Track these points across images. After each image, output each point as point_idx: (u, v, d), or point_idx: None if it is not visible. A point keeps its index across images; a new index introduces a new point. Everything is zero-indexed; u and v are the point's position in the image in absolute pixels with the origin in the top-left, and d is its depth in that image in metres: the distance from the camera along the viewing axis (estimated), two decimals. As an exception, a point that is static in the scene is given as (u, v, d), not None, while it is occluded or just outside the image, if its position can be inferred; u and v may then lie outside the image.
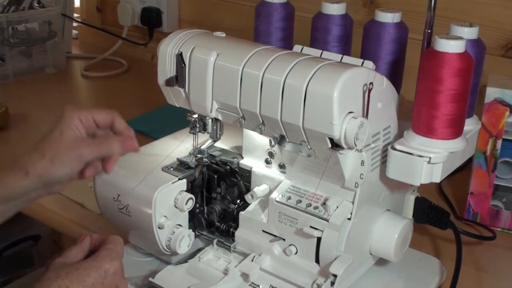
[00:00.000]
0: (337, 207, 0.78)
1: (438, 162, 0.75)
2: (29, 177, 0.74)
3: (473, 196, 1.06)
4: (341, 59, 0.79)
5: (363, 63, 0.77)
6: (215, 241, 0.88)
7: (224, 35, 0.85)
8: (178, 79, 0.84)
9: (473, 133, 0.86)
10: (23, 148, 1.30)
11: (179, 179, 0.84)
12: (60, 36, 1.80)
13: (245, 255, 0.85)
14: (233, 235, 0.86)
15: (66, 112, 0.78)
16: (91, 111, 0.79)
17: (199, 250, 0.88)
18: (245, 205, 0.86)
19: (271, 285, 0.82)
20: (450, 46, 0.73)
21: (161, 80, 0.86)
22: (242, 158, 0.89)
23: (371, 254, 0.85)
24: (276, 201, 0.81)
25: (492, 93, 0.99)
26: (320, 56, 0.81)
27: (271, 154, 0.85)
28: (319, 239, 0.78)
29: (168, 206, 0.82)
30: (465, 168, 1.06)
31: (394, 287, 0.88)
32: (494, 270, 0.96)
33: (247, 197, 0.84)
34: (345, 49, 0.92)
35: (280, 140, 0.79)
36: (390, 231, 0.83)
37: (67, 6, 1.87)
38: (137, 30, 1.88)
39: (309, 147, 0.77)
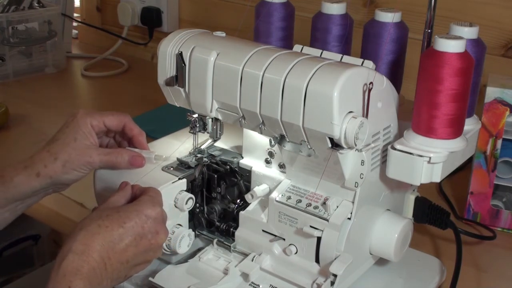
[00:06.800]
0: (337, 206, 0.78)
1: (438, 162, 0.75)
2: (39, 178, 0.78)
3: (473, 196, 1.06)
4: (341, 59, 0.79)
5: (363, 63, 0.77)
6: (215, 240, 0.88)
7: (224, 35, 0.85)
8: (178, 79, 0.84)
9: (473, 133, 0.86)
10: (23, 147, 1.31)
11: (179, 178, 0.84)
12: (60, 36, 1.80)
13: (245, 255, 0.85)
14: (233, 234, 0.86)
15: (79, 118, 0.82)
16: (103, 115, 0.83)
17: (199, 249, 0.88)
18: (245, 204, 0.86)
19: (271, 285, 0.82)
20: (450, 46, 0.73)
21: (161, 80, 0.86)
22: (242, 157, 0.89)
23: (371, 254, 0.85)
24: (276, 201, 0.81)
25: (492, 93, 0.99)
26: (320, 56, 0.81)
27: (271, 154, 0.85)
28: (319, 238, 0.78)
29: (168, 206, 0.82)
30: (465, 168, 1.06)
31: (394, 287, 0.88)
32: (494, 270, 0.96)
33: (247, 196, 0.84)
34: (345, 49, 0.92)
35: (280, 140, 0.79)
36: (390, 230, 0.83)
37: (67, 6, 1.87)
38: (137, 30, 1.88)
39: (309, 146, 0.77)
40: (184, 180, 0.84)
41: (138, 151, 0.85)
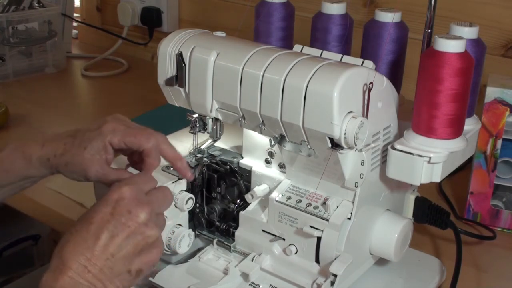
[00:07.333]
0: (337, 206, 0.78)
1: (438, 162, 0.75)
2: (49, 162, 0.81)
3: (473, 196, 1.06)
4: (341, 59, 0.79)
5: (363, 62, 0.77)
6: (215, 240, 0.88)
7: (224, 35, 0.85)
8: (178, 79, 0.84)
9: (473, 133, 0.86)
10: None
11: (179, 178, 0.84)
12: (60, 36, 1.80)
13: (245, 255, 0.85)
14: (233, 234, 0.86)
15: (103, 130, 0.79)
16: (125, 135, 0.79)
17: (199, 249, 0.88)
18: (245, 204, 0.86)
19: (271, 285, 0.82)
20: (450, 46, 0.73)
21: (161, 80, 0.86)
22: (242, 157, 0.89)
23: (371, 254, 0.85)
24: (276, 201, 0.81)
25: (492, 93, 0.99)
26: (320, 56, 0.81)
27: (271, 154, 0.85)
28: (319, 238, 0.78)
29: (168, 206, 0.82)
30: (465, 168, 1.06)
31: (394, 287, 0.88)
32: (494, 270, 0.96)
33: (247, 196, 0.84)
34: (345, 49, 0.92)
35: (280, 140, 0.79)
36: (390, 230, 0.83)
37: (67, 6, 1.87)
38: (137, 30, 1.88)
39: (309, 146, 0.77)
40: (184, 180, 0.84)
41: None
